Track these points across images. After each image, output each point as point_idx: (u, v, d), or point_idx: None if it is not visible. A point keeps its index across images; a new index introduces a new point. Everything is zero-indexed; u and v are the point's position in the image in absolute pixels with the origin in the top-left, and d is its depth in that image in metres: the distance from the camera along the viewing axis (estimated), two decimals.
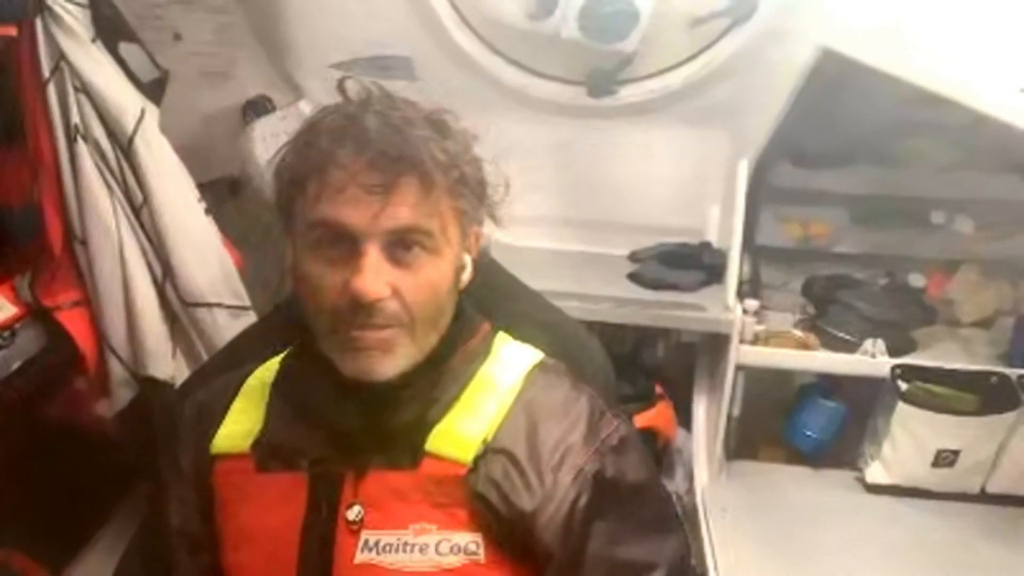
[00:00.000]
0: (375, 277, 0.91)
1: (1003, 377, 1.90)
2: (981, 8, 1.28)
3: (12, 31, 1.44)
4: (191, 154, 1.70)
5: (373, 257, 0.92)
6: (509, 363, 1.09)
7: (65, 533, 1.73)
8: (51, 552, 1.70)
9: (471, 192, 1.00)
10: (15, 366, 1.53)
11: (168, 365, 1.67)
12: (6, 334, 1.53)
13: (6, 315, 1.54)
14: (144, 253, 1.62)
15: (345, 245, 0.93)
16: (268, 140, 2.01)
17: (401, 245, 0.94)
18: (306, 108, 2.20)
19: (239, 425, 1.07)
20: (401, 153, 0.92)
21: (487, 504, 0.98)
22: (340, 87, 0.99)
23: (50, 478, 1.69)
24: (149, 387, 1.67)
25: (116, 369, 1.66)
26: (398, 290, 0.94)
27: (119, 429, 1.73)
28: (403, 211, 0.92)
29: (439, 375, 1.03)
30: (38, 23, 1.44)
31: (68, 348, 1.64)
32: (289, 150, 0.99)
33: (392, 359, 0.97)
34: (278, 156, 1.01)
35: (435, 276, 0.97)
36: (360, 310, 0.92)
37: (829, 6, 1.76)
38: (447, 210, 0.96)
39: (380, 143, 0.91)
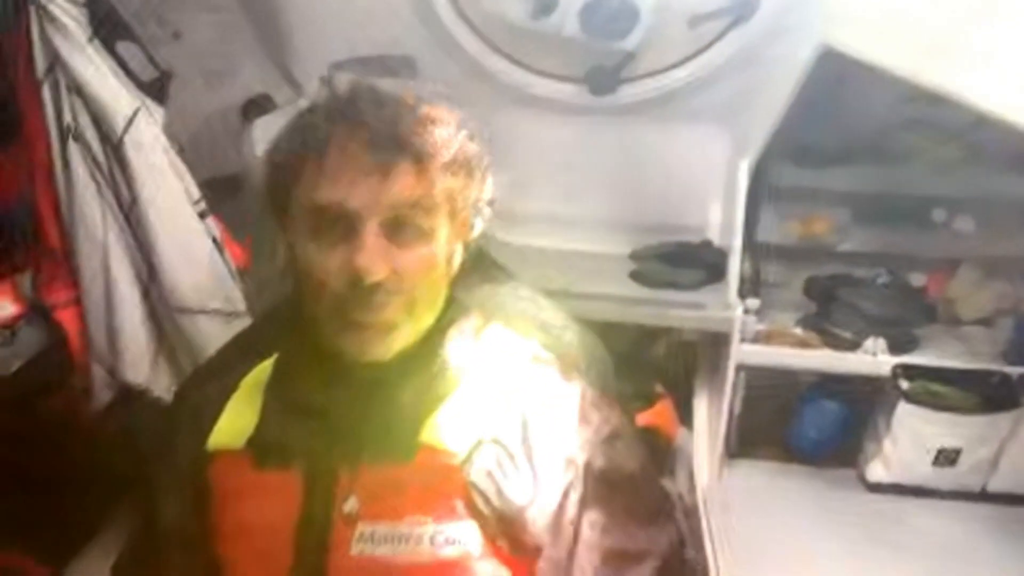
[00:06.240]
0: (375, 255, 0.94)
1: (1004, 376, 1.90)
2: (983, 6, 1.27)
3: None
4: (191, 153, 1.69)
5: (372, 236, 0.94)
6: (503, 355, 1.10)
7: (66, 532, 1.73)
8: (52, 551, 1.70)
9: (463, 173, 1.02)
10: (16, 366, 1.53)
11: (144, 371, 1.65)
12: (7, 333, 1.53)
13: (6, 314, 1.54)
14: (131, 256, 1.60)
15: (344, 227, 0.95)
16: (269, 139, 2.00)
17: (398, 225, 0.96)
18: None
19: (235, 422, 1.08)
20: (396, 134, 0.95)
21: (481, 495, 0.99)
22: (327, 82, 1.04)
23: (50, 477, 1.69)
24: (126, 391, 1.66)
25: (98, 371, 1.65)
26: (396, 268, 0.96)
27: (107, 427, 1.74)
28: (400, 190, 0.95)
29: (431, 361, 1.04)
30: (33, 23, 1.43)
31: (64, 347, 1.64)
32: (282, 137, 1.02)
33: (391, 339, 1.00)
34: (271, 146, 1.03)
35: (428, 255, 0.99)
36: (361, 288, 0.94)
37: (830, 4, 1.76)
38: (439, 191, 0.98)
39: (376, 124, 0.94)
